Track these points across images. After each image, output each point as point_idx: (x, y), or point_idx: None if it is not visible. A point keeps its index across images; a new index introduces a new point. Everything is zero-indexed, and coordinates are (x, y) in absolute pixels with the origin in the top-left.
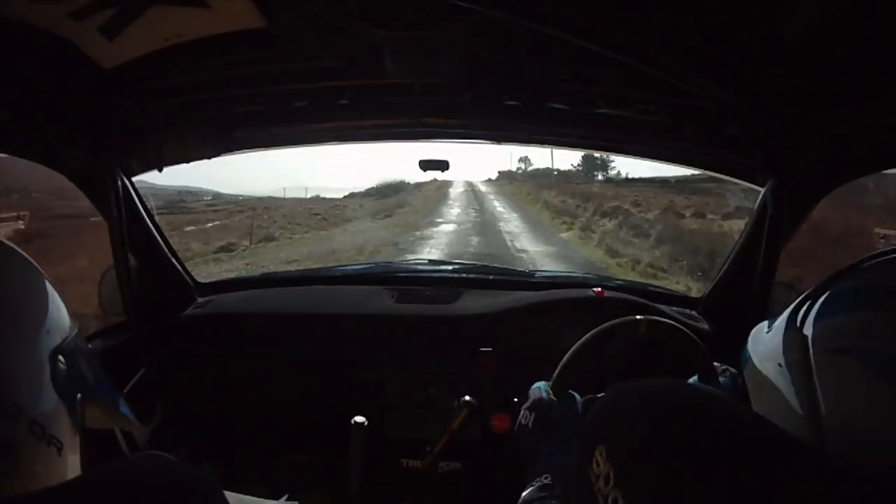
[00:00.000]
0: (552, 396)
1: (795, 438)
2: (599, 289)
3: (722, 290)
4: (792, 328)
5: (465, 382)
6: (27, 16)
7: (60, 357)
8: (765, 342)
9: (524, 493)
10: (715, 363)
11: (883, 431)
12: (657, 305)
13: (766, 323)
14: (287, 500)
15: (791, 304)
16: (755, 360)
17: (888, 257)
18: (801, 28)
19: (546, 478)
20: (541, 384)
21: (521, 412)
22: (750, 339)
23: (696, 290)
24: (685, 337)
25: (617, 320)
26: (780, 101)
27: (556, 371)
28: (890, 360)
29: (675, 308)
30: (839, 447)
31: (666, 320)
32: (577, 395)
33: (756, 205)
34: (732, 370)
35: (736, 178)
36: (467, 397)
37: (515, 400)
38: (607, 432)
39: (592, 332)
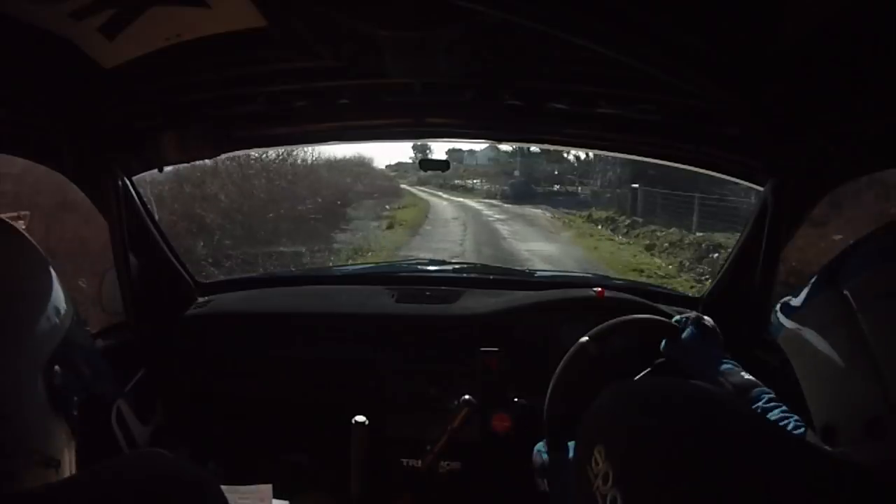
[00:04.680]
0: (549, 456)
1: (791, 434)
2: (600, 288)
3: (722, 290)
4: (826, 288)
5: (465, 382)
6: (27, 16)
7: (57, 367)
8: (796, 308)
9: None
10: (675, 318)
11: None
12: (658, 305)
13: (791, 296)
14: (287, 499)
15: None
16: (789, 326)
17: None
18: (801, 28)
19: None
20: (539, 446)
21: (537, 474)
22: (778, 308)
23: None
24: (633, 322)
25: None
26: (780, 101)
27: (546, 425)
28: None
29: (675, 308)
30: None
31: (608, 324)
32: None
33: (756, 205)
34: (691, 314)
35: (736, 177)
36: (467, 397)
37: (515, 400)
38: (606, 432)
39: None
